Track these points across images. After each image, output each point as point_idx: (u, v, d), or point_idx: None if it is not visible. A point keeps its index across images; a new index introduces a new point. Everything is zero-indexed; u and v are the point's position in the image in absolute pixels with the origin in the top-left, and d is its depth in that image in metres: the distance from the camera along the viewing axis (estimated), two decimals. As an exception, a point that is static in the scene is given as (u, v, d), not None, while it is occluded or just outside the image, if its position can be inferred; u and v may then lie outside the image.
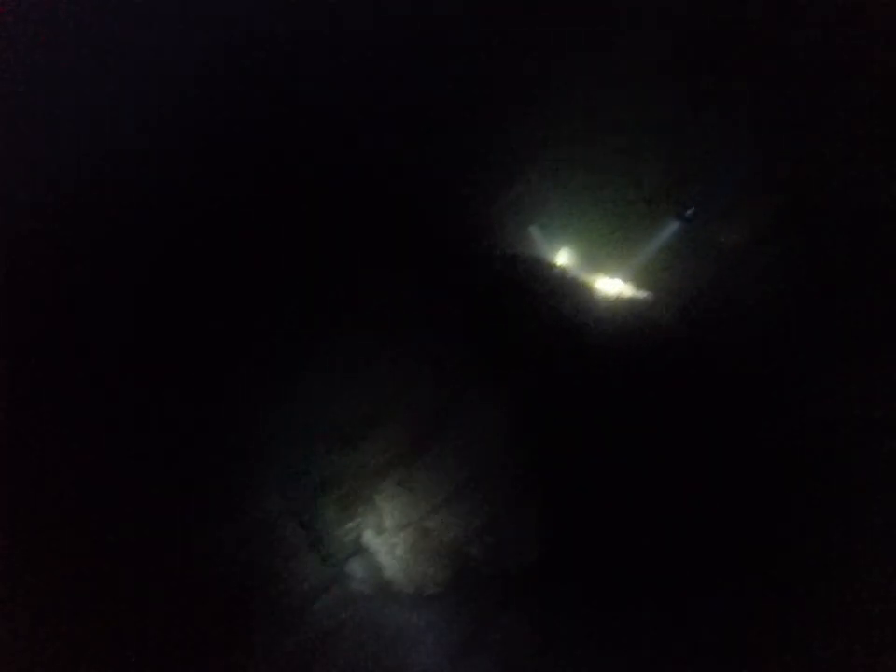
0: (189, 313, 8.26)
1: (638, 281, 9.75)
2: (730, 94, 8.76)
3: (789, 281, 8.29)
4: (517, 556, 6.56)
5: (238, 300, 8.25)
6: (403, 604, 6.82)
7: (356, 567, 7.19)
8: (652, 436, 7.36)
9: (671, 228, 9.24)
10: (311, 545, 7.55)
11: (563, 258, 10.45)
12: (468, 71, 9.13)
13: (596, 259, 10.10)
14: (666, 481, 7.01)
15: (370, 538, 7.26)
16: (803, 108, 8.39)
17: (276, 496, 7.78)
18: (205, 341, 8.15)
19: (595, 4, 8.94)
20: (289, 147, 8.87)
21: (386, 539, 7.10)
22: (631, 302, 9.32)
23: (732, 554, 6.64)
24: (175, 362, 8.06)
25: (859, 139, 8.12)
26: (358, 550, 7.29)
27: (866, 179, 8.07)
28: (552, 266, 9.94)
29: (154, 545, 7.29)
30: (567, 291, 9.45)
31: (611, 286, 9.59)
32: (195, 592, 7.20)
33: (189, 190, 8.65)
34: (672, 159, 8.99)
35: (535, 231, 10.19)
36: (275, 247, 8.45)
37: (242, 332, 8.17)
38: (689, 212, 9.06)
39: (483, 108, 9.24)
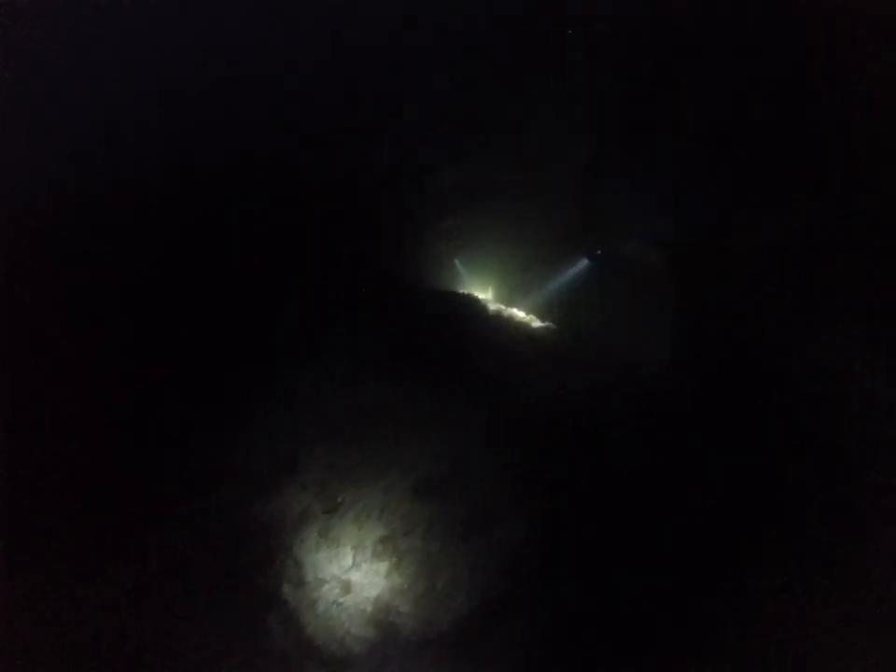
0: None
1: (549, 311, 9.99)
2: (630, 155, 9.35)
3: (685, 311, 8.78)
4: (447, 611, 6.32)
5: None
6: (324, 663, 6.41)
7: (272, 623, 6.70)
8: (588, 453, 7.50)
9: (580, 265, 9.78)
10: (221, 598, 7.00)
11: (484, 289, 10.60)
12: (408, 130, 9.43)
13: (514, 290, 10.26)
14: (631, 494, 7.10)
15: (288, 591, 6.80)
16: (697, 167, 8.94)
17: (184, 540, 7.20)
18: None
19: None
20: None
21: (307, 593, 6.68)
22: (543, 330, 9.50)
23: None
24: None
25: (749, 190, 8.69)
26: (275, 604, 6.82)
27: (753, 223, 8.64)
28: (473, 297, 9.99)
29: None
30: (488, 320, 9.47)
31: (525, 314, 9.86)
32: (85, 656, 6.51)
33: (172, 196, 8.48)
34: (583, 208, 9.47)
35: (458, 264, 10.33)
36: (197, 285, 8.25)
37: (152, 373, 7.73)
38: (598, 252, 9.62)
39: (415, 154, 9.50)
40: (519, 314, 9.79)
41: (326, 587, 6.61)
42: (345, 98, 9.42)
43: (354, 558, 6.70)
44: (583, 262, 9.83)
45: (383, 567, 6.61)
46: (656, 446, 7.54)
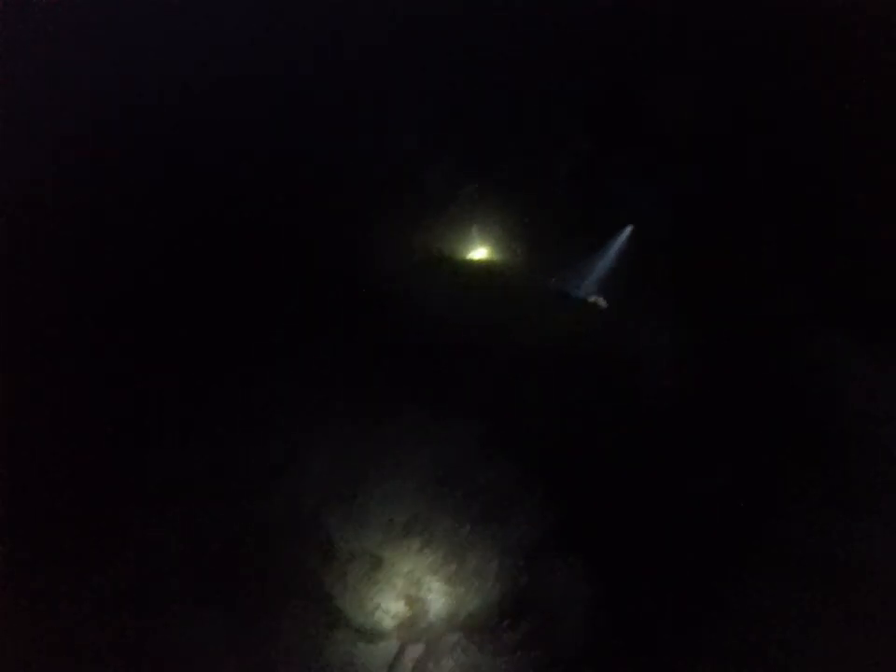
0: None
1: (589, 284, 9.63)
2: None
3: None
4: (476, 593, 6.45)
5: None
6: (349, 635, 6.51)
7: (297, 595, 6.76)
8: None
9: (624, 233, 9.35)
10: (239, 572, 7.02)
11: (512, 258, 10.04)
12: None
13: (546, 260, 9.82)
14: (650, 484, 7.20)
15: (316, 565, 6.89)
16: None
17: (195, 506, 7.27)
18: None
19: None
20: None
21: (337, 567, 6.78)
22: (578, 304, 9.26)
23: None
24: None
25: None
26: (300, 577, 6.90)
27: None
28: (499, 267, 9.67)
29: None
30: (514, 292, 9.35)
31: (562, 287, 9.55)
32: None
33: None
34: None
35: (475, 233, 9.96)
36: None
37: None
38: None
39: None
40: (555, 285, 9.43)
41: (357, 562, 6.73)
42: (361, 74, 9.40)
43: (385, 535, 6.82)
44: (626, 230, 9.30)
45: (414, 544, 6.74)
46: (665, 441, 7.66)
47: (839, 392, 7.66)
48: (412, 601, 6.48)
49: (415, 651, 6.26)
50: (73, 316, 7.75)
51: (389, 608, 6.48)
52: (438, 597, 6.47)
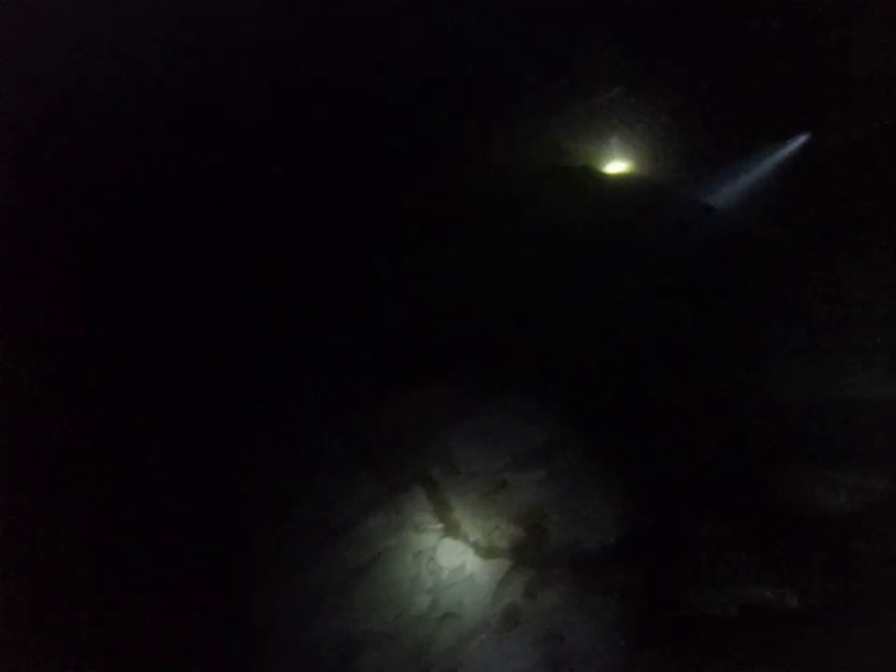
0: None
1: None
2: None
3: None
4: (594, 532, 6.53)
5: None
6: (464, 546, 6.80)
7: (417, 497, 7.13)
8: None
9: (796, 142, 8.29)
10: (363, 465, 7.48)
11: (641, 169, 9.31)
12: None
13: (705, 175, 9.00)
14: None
15: (438, 475, 7.18)
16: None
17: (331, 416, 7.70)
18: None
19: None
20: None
21: (459, 482, 7.03)
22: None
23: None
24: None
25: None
26: (422, 482, 7.22)
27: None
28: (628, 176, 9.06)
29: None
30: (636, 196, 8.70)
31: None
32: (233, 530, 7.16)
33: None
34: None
35: (613, 143, 9.15)
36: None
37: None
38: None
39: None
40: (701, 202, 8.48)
41: (481, 480, 6.93)
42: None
43: (512, 458, 6.95)
44: (800, 139, 7.82)
45: (538, 474, 6.84)
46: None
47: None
48: (529, 527, 6.63)
49: (526, 573, 6.48)
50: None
51: (507, 529, 6.67)
52: (556, 528, 6.58)
